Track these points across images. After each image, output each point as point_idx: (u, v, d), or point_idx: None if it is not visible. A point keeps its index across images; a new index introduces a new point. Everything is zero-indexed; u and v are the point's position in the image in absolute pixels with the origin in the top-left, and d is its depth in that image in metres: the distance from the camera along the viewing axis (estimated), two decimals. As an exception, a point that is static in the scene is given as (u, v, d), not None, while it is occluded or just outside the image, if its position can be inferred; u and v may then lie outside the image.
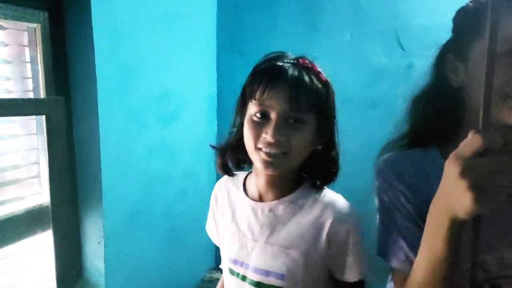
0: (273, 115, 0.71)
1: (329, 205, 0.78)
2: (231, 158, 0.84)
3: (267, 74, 0.72)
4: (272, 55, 0.77)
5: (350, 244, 0.76)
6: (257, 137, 0.73)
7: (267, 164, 0.72)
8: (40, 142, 1.36)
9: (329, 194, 0.81)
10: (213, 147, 0.87)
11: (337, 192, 0.84)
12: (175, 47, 1.66)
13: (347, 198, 0.82)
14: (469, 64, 0.69)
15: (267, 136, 0.70)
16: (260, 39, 1.90)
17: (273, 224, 0.80)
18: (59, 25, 1.32)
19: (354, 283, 0.78)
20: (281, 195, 0.80)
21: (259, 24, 1.90)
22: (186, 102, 1.75)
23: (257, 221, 0.81)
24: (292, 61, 0.74)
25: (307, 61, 0.75)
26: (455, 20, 0.75)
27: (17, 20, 1.21)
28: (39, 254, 1.35)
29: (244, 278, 0.82)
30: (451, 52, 0.73)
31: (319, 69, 0.76)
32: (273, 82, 0.70)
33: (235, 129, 0.83)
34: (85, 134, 1.39)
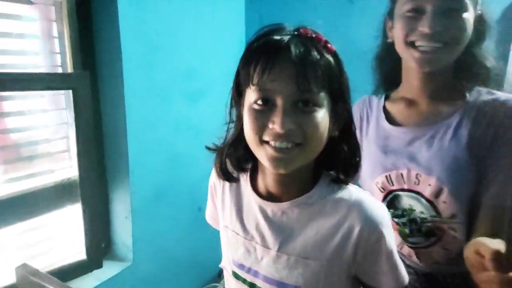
0: (278, 100, 0.58)
1: (355, 206, 0.64)
2: (231, 158, 0.72)
3: (264, 51, 0.58)
4: (267, 29, 0.63)
5: (383, 251, 0.64)
6: (261, 129, 0.60)
7: (277, 161, 0.59)
8: (69, 117, 1.38)
9: (354, 192, 0.67)
10: (209, 148, 0.74)
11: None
12: (202, 22, 1.62)
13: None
14: (394, 21, 0.87)
15: (275, 126, 0.57)
16: (291, 13, 1.82)
17: (288, 230, 0.67)
18: (85, -1, 1.31)
19: None
20: (295, 194, 0.67)
21: (289, -2, 1.82)
22: (212, 79, 1.71)
23: (268, 224, 0.69)
24: (292, 33, 0.61)
25: (309, 31, 0.61)
26: None
27: (44, -5, 1.22)
28: (70, 226, 1.39)
29: (252, 285, 0.72)
30: (388, 14, 0.91)
31: (326, 39, 0.62)
32: (273, 59, 0.57)
33: (232, 125, 0.70)
34: (111, 109, 1.40)
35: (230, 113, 0.70)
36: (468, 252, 0.66)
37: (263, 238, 0.70)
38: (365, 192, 0.69)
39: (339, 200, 0.66)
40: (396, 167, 0.88)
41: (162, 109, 1.50)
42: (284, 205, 0.68)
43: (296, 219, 0.67)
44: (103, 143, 1.44)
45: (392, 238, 0.66)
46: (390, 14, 0.89)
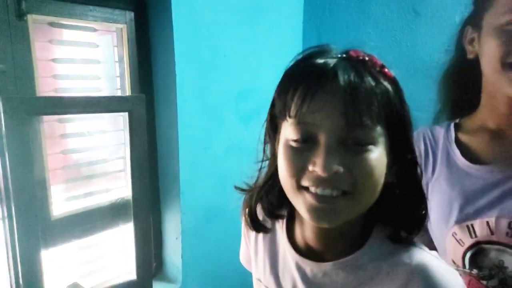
0: (321, 137, 0.47)
1: (418, 273, 0.50)
2: (262, 203, 0.62)
3: (305, 77, 0.48)
4: (309, 51, 0.53)
5: None
6: (299, 172, 0.49)
7: (318, 212, 0.48)
8: (126, 138, 1.43)
9: (417, 254, 0.53)
10: (238, 188, 0.65)
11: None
12: (257, 42, 1.60)
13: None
14: (481, 34, 0.75)
15: (316, 168, 0.46)
16: (351, 29, 1.73)
17: None
18: (144, 25, 1.36)
19: None
20: (340, 252, 0.55)
21: (349, 12, 1.73)
22: (266, 99, 1.67)
23: (307, 286, 0.57)
24: (340, 55, 0.50)
25: (361, 53, 0.51)
26: None
27: (106, 22, 1.28)
28: (123, 245, 1.42)
29: None
30: (469, 24, 0.81)
31: (382, 62, 0.51)
32: (315, 87, 0.47)
33: (265, 164, 0.61)
34: (166, 131, 1.42)
35: (264, 150, 0.61)
36: None
37: None
38: (432, 254, 0.54)
39: (397, 263, 0.52)
40: (480, 214, 0.74)
41: (214, 130, 1.49)
42: (327, 266, 0.55)
43: (341, 285, 0.55)
44: (156, 164, 1.46)
45: None
46: (474, 24, 0.76)
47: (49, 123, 1.20)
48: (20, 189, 1.07)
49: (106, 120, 1.39)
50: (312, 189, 0.48)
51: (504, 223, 0.71)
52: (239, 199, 1.68)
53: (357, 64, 0.49)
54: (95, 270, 1.34)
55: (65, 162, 1.27)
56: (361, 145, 0.47)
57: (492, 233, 0.72)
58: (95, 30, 1.29)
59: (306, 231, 0.57)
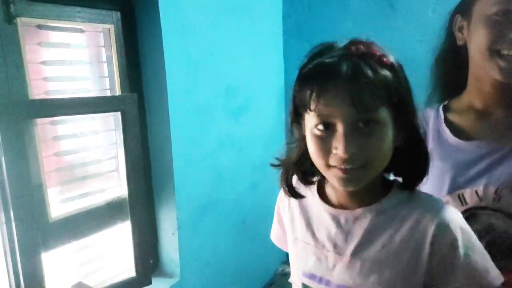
0: (338, 125, 0.59)
1: (428, 210, 0.64)
2: (297, 173, 0.73)
3: (317, 77, 0.59)
4: (316, 50, 0.64)
5: (457, 258, 0.62)
6: (326, 155, 0.61)
7: (345, 181, 0.61)
8: (118, 137, 1.43)
9: (425, 198, 0.68)
10: (274, 165, 0.76)
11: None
12: (241, 39, 1.64)
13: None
14: (471, 22, 0.78)
15: (338, 151, 0.59)
16: (330, 23, 1.79)
17: (361, 237, 0.67)
18: (131, 24, 1.37)
19: None
20: (367, 203, 0.68)
21: (328, 6, 1.79)
22: (254, 94, 1.72)
23: (341, 231, 0.69)
24: (342, 52, 0.60)
25: (361, 46, 0.60)
26: None
27: (93, 22, 1.28)
28: (120, 243, 1.43)
29: None
30: (459, 12, 0.82)
31: (380, 51, 0.61)
32: (326, 84, 0.58)
33: (294, 145, 0.71)
34: (157, 129, 1.44)
35: (291, 131, 0.71)
36: None
37: (335, 245, 0.70)
38: (435, 197, 0.69)
39: (412, 206, 0.66)
40: (470, 184, 0.80)
41: (205, 126, 1.52)
42: (358, 211, 0.68)
43: (369, 226, 0.67)
44: (149, 162, 1.48)
45: (470, 241, 0.64)
46: (463, 13, 0.81)
47: (41, 126, 1.20)
48: (18, 193, 1.07)
49: (97, 120, 1.39)
50: (337, 166, 0.61)
51: (491, 190, 0.78)
52: (234, 191, 1.73)
53: (358, 58, 0.59)
54: (95, 270, 1.35)
55: (59, 164, 1.27)
56: (370, 126, 0.59)
57: (480, 200, 0.79)
58: (82, 31, 1.29)
59: (338, 192, 0.70)
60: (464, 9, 0.81)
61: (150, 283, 1.47)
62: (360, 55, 0.59)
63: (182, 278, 1.51)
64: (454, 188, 0.82)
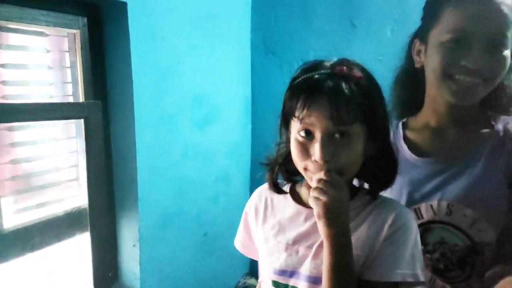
0: (317, 134, 0.68)
1: (387, 206, 0.74)
2: (282, 172, 0.81)
3: (304, 90, 0.69)
4: (308, 65, 0.73)
5: (400, 236, 0.70)
6: (305, 159, 0.70)
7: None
8: (79, 145, 1.39)
9: (386, 199, 0.77)
10: (262, 164, 0.83)
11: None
12: (209, 49, 1.65)
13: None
14: (427, 48, 0.84)
15: (315, 157, 0.67)
16: (295, 38, 1.85)
17: None
18: (98, 30, 1.34)
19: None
20: None
21: (293, 22, 1.85)
22: (220, 104, 1.73)
23: (313, 228, 0.74)
24: (328, 71, 0.70)
25: (344, 68, 0.69)
26: (424, 8, 0.89)
27: (58, 27, 1.25)
28: (78, 256, 1.37)
29: None
30: (418, 37, 0.88)
31: (359, 73, 0.70)
32: (311, 98, 0.67)
33: (282, 145, 0.79)
34: (122, 137, 1.41)
35: (280, 135, 0.79)
36: None
37: (307, 240, 0.75)
38: (396, 200, 0.78)
39: (375, 205, 0.74)
40: (425, 199, 0.86)
41: (171, 135, 1.51)
42: None
43: None
44: (111, 171, 1.44)
45: (416, 233, 0.71)
46: (422, 38, 0.86)
47: (-3, 132, 1.14)
48: (-31, 202, 1.01)
49: (57, 127, 1.34)
50: (314, 172, 0.69)
51: (444, 204, 0.83)
52: (197, 203, 1.72)
53: (340, 79, 0.68)
54: (51, 284, 1.29)
55: (15, 172, 1.21)
56: (344, 138, 0.68)
57: (435, 214, 0.85)
58: (46, 35, 1.25)
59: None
60: (422, 34, 0.86)
61: (109, 296, 1.42)
62: (342, 76, 0.68)
63: (142, 291, 1.47)
64: (411, 203, 0.87)
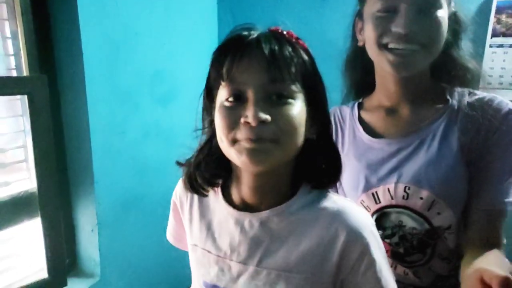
0: (249, 93, 0.55)
1: (339, 215, 0.61)
2: (201, 172, 0.66)
3: (234, 46, 0.57)
4: (236, 28, 0.61)
5: (369, 263, 0.59)
6: (233, 127, 0.56)
7: (252, 154, 0.55)
8: (26, 124, 1.28)
9: (337, 200, 0.64)
10: (179, 164, 0.69)
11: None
12: (171, 21, 1.54)
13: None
14: (364, 23, 0.80)
15: (248, 119, 0.54)
16: (264, 12, 1.77)
17: (267, 242, 0.62)
18: (40, -5, 1.21)
19: None
20: (274, 203, 0.63)
21: (263, -6, 1.76)
22: (183, 81, 1.63)
23: (245, 238, 0.63)
24: (262, 31, 0.60)
25: (279, 29, 0.60)
26: None
27: (-7, -9, 1.11)
28: (29, 242, 1.28)
29: None
30: (358, 15, 0.85)
31: (296, 36, 0.61)
32: (242, 51, 0.55)
33: (203, 136, 0.66)
34: (74, 115, 1.30)
35: (202, 123, 0.66)
36: (470, 280, 0.59)
37: (239, 254, 0.64)
38: (349, 200, 0.66)
39: (322, 208, 0.62)
40: (382, 182, 0.81)
41: (129, 113, 1.41)
42: (263, 214, 0.63)
43: (276, 230, 0.62)
44: (64, 152, 1.34)
45: (379, 248, 0.61)
46: (360, 15, 0.83)
47: None
48: None
49: (1, 104, 1.22)
50: (246, 137, 0.55)
51: (400, 188, 0.79)
52: (161, 185, 1.64)
53: (277, 34, 0.59)
54: (1, 271, 1.20)
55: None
56: (283, 98, 0.56)
57: (392, 198, 0.81)
58: (-21, 0, 1.12)
59: (243, 187, 0.64)
60: (360, 11, 0.83)
61: (65, 284, 1.34)
62: (280, 33, 0.59)
63: (102, 277, 1.39)
64: (368, 187, 0.83)
